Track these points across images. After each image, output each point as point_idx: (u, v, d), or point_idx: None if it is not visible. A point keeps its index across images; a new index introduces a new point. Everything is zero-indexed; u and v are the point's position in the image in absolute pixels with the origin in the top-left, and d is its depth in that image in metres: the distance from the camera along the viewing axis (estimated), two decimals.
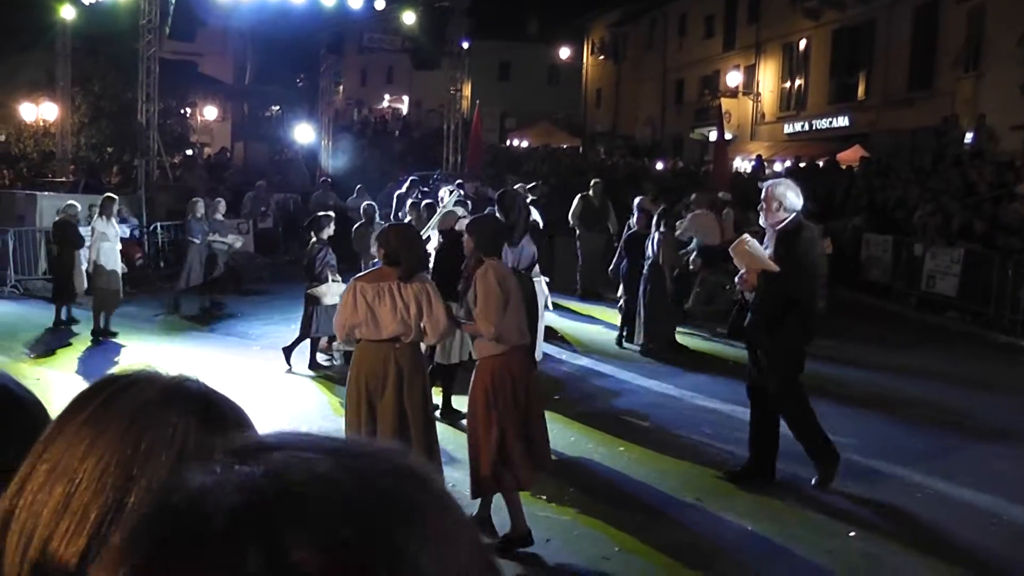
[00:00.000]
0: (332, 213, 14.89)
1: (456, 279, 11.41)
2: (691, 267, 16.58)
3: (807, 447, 9.03)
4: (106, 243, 15.53)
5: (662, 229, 15.17)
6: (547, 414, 8.49)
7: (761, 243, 8.88)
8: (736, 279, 9.42)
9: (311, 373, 13.45)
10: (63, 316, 16.50)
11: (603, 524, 7.95)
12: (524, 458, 7.58)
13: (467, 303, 7.72)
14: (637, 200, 16.73)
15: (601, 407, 11.93)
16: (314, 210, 23.45)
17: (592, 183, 20.93)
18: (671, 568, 7.34)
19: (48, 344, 15.03)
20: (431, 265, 11.98)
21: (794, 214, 8.74)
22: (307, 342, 13.73)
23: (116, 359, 14.03)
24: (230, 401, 1.31)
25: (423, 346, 10.61)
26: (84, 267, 16.34)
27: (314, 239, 13.69)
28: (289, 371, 13.43)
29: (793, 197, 8.75)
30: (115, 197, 16.55)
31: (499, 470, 7.50)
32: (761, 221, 9.08)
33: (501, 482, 7.52)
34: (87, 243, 16.10)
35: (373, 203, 17.55)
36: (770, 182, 9.29)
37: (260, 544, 0.74)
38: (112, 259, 15.58)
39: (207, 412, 1.26)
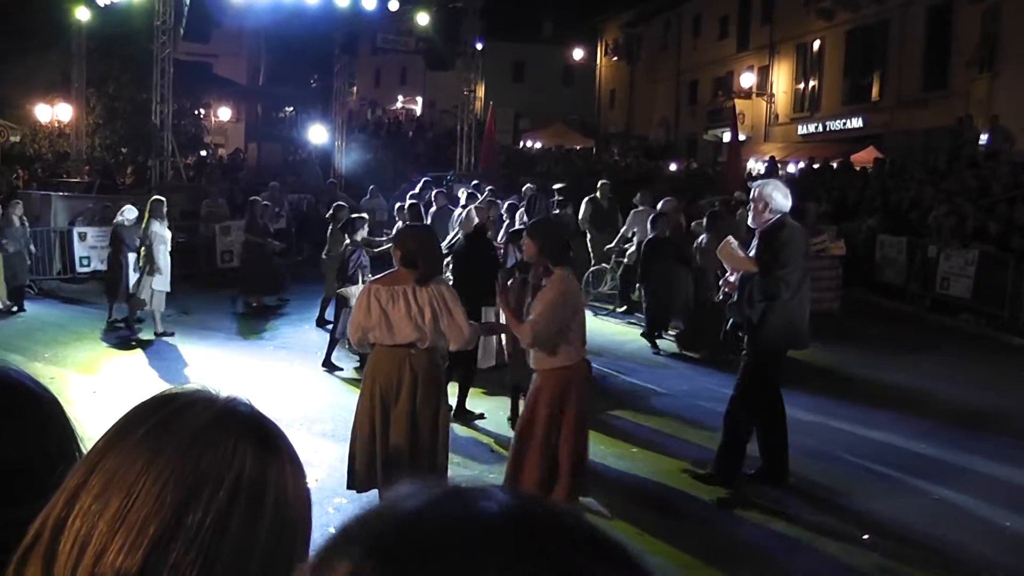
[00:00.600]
0: (366, 215, 14.94)
1: (481, 282, 11.46)
2: (627, 261, 17.01)
3: (719, 457, 9.03)
4: (163, 245, 15.55)
5: (707, 234, 14.97)
6: None
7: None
8: (721, 282, 9.46)
9: (324, 371, 13.47)
10: (115, 314, 16.61)
11: (621, 523, 7.93)
12: (577, 468, 7.61)
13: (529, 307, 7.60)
14: (660, 204, 16.71)
15: (611, 407, 11.91)
16: (326, 212, 23.53)
17: (599, 184, 20.91)
18: (688, 568, 7.33)
19: (64, 343, 15.06)
20: (451, 267, 11.98)
21: (779, 215, 8.70)
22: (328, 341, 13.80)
23: (131, 360, 14.05)
24: (276, 426, 1.35)
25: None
26: (132, 269, 16.29)
27: (347, 240, 13.69)
28: (332, 372, 13.50)
29: (780, 198, 8.72)
30: (162, 199, 16.56)
31: (548, 478, 7.47)
32: (750, 222, 9.05)
33: (550, 490, 7.47)
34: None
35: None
36: (758, 183, 9.27)
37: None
38: (167, 261, 15.60)
39: (261, 437, 1.29)
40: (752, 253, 8.77)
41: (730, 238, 9.18)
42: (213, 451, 1.24)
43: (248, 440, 1.27)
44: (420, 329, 7.33)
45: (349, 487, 7.52)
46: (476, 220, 12.37)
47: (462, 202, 18.32)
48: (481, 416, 11.28)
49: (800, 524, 8.16)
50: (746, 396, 8.94)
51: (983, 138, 28.65)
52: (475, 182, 23.39)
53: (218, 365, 13.81)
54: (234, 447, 1.25)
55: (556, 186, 19.55)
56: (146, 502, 1.20)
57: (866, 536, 7.96)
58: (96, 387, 12.02)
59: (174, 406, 1.31)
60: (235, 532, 1.19)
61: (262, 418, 1.33)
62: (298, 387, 12.67)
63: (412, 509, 0.81)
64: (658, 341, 15.66)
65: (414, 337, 7.35)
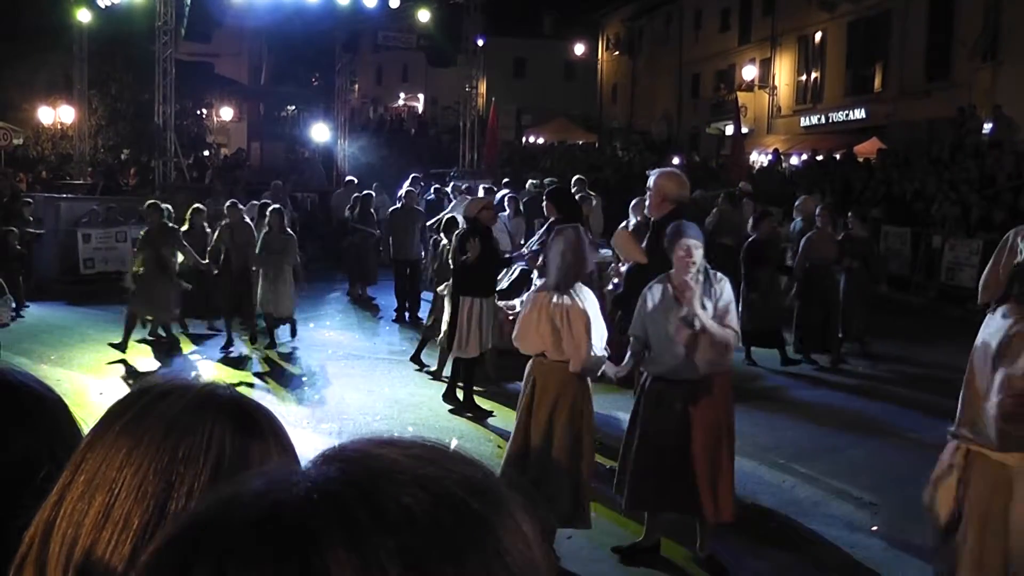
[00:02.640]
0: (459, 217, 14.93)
1: (482, 273, 11.46)
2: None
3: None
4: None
5: (754, 233, 14.35)
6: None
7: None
8: (610, 269, 9.40)
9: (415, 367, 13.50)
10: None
11: (624, 519, 7.93)
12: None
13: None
14: (798, 203, 16.65)
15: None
16: (336, 210, 23.52)
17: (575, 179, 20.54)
18: (691, 556, 7.34)
19: (70, 346, 15.05)
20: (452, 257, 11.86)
21: (676, 205, 8.53)
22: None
23: (138, 361, 14.06)
24: (262, 407, 1.33)
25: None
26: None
27: (444, 240, 13.59)
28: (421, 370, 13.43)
29: (674, 187, 8.60)
30: (203, 208, 16.61)
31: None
32: (647, 211, 8.93)
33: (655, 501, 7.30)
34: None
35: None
36: (655, 172, 9.06)
37: (296, 549, 0.75)
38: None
39: (240, 419, 1.28)
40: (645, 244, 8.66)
41: (622, 227, 9.17)
42: (190, 437, 1.23)
43: (226, 422, 1.26)
44: (544, 340, 7.20)
45: None
46: (481, 207, 12.07)
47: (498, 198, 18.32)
48: (491, 414, 11.28)
49: (809, 514, 8.15)
50: None
51: (986, 127, 28.59)
52: (505, 181, 23.30)
53: (225, 365, 13.82)
54: (211, 431, 1.24)
55: (576, 177, 19.08)
56: (128, 496, 1.20)
57: (875, 528, 7.96)
58: (103, 389, 12.03)
59: (149, 397, 1.30)
60: None
61: (242, 400, 1.31)
62: (305, 386, 12.68)
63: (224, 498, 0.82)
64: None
65: (539, 348, 7.26)
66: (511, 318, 9.65)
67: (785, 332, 14.26)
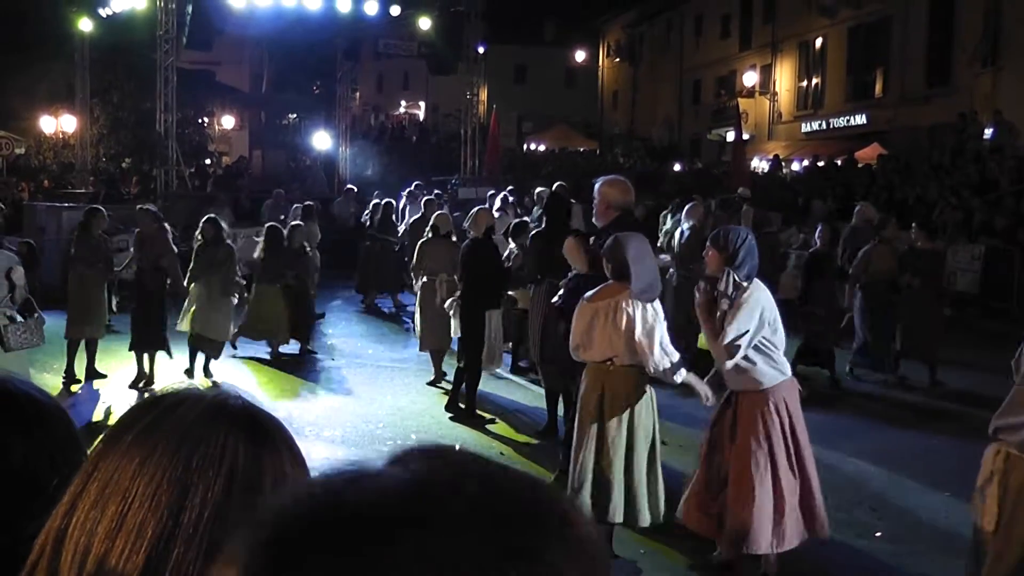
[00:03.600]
0: (527, 219, 14.95)
1: (485, 286, 11.47)
2: None
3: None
4: None
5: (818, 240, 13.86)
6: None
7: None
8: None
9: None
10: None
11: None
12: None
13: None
14: (858, 209, 16.06)
15: None
16: (338, 218, 23.55)
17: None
18: (698, 557, 7.34)
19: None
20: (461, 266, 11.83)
21: (619, 212, 8.57)
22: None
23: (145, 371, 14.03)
24: (273, 417, 1.34)
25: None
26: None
27: (512, 244, 13.56)
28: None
29: (616, 195, 8.61)
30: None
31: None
32: (594, 219, 8.96)
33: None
34: None
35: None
36: (600, 180, 9.05)
37: (407, 535, 0.77)
38: None
39: (253, 429, 1.28)
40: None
41: (571, 236, 9.24)
42: (204, 447, 1.24)
43: (239, 432, 1.26)
44: (614, 346, 7.07)
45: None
46: (488, 222, 12.10)
47: (496, 207, 18.34)
48: (492, 421, 11.29)
49: None
50: None
51: (987, 133, 28.60)
52: (510, 188, 23.28)
53: (230, 373, 13.78)
54: (224, 440, 1.25)
55: (556, 184, 19.02)
56: (142, 505, 1.20)
57: (879, 533, 7.96)
58: (108, 398, 12.04)
59: (163, 406, 1.31)
60: (236, 524, 1.18)
61: (254, 409, 1.32)
62: (307, 394, 12.68)
63: (317, 492, 0.83)
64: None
65: (608, 353, 7.12)
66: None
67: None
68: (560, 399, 10.47)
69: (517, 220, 15.05)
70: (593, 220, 8.93)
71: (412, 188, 22.85)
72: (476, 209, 12.93)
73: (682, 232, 14.78)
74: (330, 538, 0.78)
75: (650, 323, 7.01)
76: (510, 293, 12.57)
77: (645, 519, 7.23)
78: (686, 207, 15.18)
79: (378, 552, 0.75)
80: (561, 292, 8.88)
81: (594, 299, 7.18)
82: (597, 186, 8.80)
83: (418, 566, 0.75)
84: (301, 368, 14.18)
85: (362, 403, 12.01)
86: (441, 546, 0.76)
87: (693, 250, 13.03)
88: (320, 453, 9.64)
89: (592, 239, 8.83)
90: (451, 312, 11.94)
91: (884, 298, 13.48)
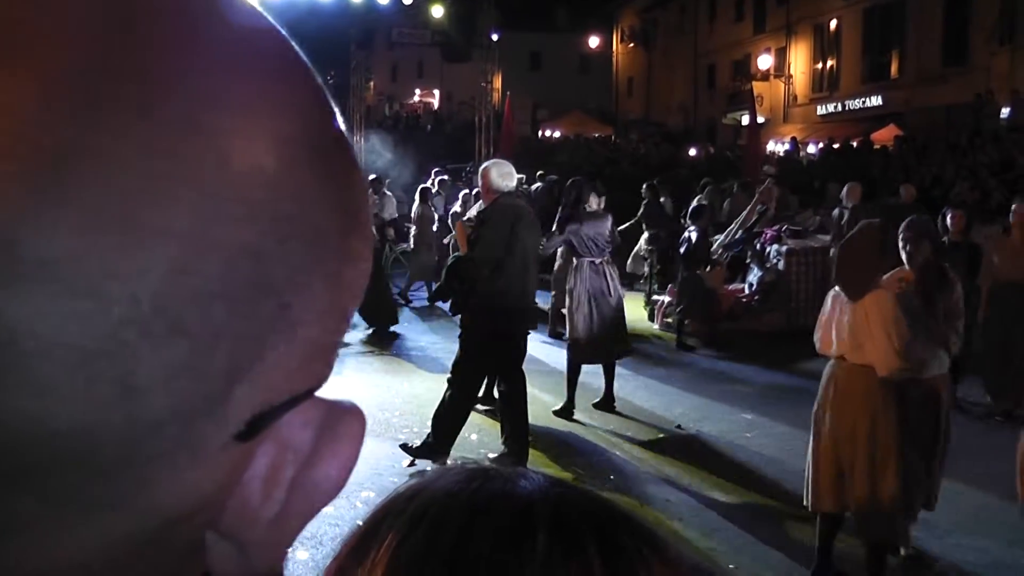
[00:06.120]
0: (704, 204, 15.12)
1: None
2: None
3: (434, 431, 8.89)
4: None
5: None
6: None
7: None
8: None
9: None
10: None
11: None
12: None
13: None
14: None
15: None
16: None
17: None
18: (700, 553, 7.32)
19: None
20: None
21: (498, 195, 8.73)
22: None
23: None
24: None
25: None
26: None
27: (691, 226, 14.01)
28: None
29: (496, 177, 8.73)
30: None
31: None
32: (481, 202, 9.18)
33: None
34: None
35: None
36: (485, 163, 9.26)
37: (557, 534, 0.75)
38: None
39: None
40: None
41: (461, 220, 9.44)
42: None
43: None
44: (842, 342, 6.54)
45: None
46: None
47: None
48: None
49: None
50: (458, 372, 8.95)
51: (1004, 112, 28.43)
52: (540, 174, 23.28)
53: None
54: None
55: (654, 181, 18.89)
56: None
57: None
58: None
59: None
60: None
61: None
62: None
63: (451, 487, 0.80)
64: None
65: (839, 350, 6.60)
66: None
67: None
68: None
69: (696, 205, 15.13)
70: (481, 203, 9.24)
71: (442, 176, 22.83)
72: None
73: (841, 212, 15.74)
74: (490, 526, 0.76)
75: (878, 320, 6.45)
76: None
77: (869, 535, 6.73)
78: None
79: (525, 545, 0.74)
80: None
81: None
82: (482, 169, 9.11)
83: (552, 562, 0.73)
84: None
85: (378, 391, 11.98)
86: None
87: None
88: None
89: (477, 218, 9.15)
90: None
91: (1014, 305, 11.47)
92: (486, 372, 9.11)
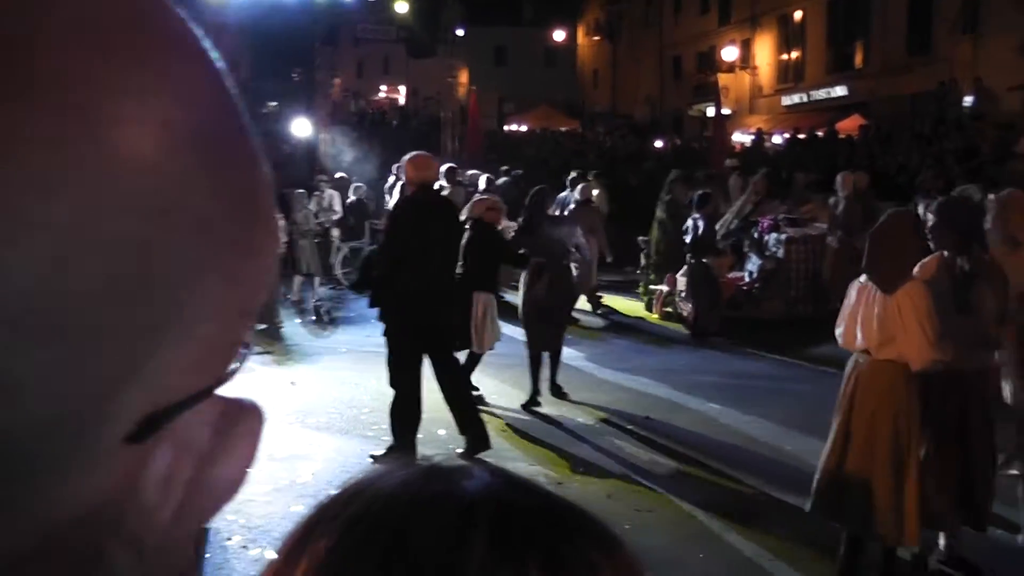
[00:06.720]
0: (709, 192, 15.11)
1: (480, 271, 11.48)
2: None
3: (392, 433, 8.95)
4: None
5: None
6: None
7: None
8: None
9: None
10: None
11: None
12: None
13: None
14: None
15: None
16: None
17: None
18: (686, 539, 7.32)
19: None
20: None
21: (416, 188, 8.92)
22: None
23: None
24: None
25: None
26: None
27: (696, 214, 14.25)
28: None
29: (412, 170, 8.99)
30: None
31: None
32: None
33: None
34: None
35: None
36: (404, 157, 9.43)
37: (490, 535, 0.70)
38: None
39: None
40: None
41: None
42: None
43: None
44: (870, 335, 6.24)
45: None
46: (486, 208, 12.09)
47: (481, 187, 18.28)
48: (480, 400, 11.28)
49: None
50: (389, 368, 9.05)
51: (968, 100, 28.62)
52: (505, 169, 23.24)
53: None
54: None
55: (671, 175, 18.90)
56: None
57: None
58: None
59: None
60: None
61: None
62: (290, 381, 12.59)
63: (391, 487, 0.75)
64: None
65: (864, 344, 6.31)
66: None
67: None
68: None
69: (701, 192, 15.09)
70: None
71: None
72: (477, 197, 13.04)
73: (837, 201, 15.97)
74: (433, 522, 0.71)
75: (910, 312, 6.20)
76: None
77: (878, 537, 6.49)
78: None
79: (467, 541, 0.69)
80: None
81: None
82: (402, 162, 9.34)
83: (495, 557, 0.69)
84: (287, 354, 14.12)
85: (347, 388, 11.93)
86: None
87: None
88: (305, 440, 9.60)
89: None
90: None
91: None
92: (411, 365, 9.02)
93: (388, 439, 8.94)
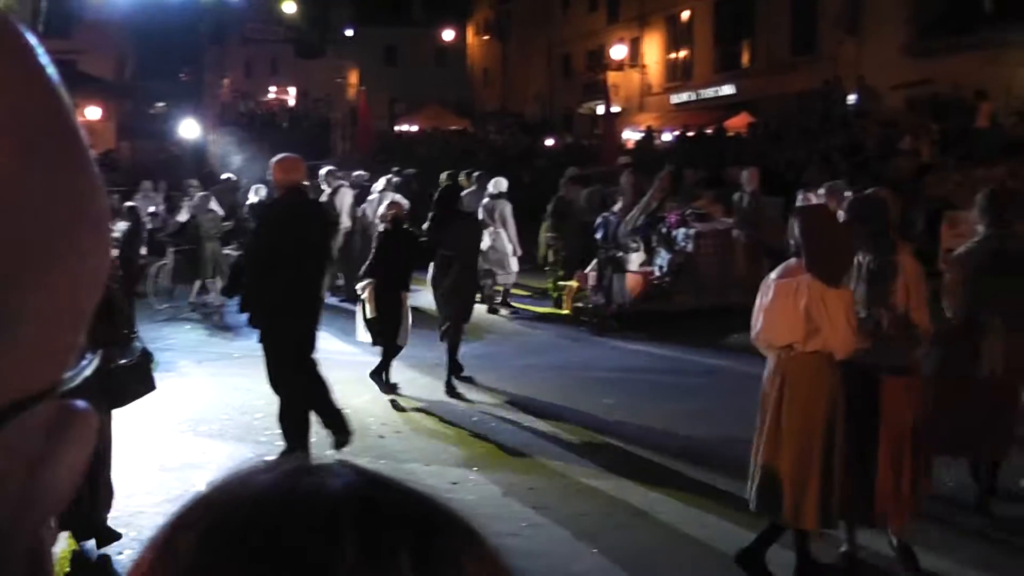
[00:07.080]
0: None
1: (402, 271, 11.51)
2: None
3: (284, 438, 8.92)
4: None
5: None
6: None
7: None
8: None
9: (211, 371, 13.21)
10: None
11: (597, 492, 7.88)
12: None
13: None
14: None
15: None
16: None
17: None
18: (579, 536, 7.32)
19: None
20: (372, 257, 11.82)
21: (285, 190, 8.80)
22: None
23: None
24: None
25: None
26: None
27: (608, 212, 14.83)
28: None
29: (279, 173, 8.80)
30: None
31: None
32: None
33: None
34: None
35: None
36: (272, 159, 9.26)
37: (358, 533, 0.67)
38: None
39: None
40: None
41: None
42: None
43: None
44: (795, 329, 6.18)
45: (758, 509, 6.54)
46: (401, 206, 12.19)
47: (378, 187, 18.38)
48: (395, 388, 11.66)
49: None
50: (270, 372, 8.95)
51: (851, 98, 29.22)
52: (395, 169, 23.09)
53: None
54: None
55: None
56: None
57: None
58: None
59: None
60: None
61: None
62: (181, 390, 12.36)
63: (259, 487, 0.71)
64: None
65: (790, 338, 6.24)
66: None
67: None
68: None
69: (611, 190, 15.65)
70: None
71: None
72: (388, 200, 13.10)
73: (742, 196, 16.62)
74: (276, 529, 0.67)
75: (837, 303, 6.26)
76: None
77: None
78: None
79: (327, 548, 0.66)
80: None
81: (786, 274, 6.34)
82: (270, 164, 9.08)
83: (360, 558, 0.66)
84: (173, 364, 13.85)
85: (239, 394, 11.73)
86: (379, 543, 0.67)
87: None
88: (198, 448, 9.44)
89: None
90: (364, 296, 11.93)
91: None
92: (292, 367, 8.91)
93: (281, 444, 8.82)
